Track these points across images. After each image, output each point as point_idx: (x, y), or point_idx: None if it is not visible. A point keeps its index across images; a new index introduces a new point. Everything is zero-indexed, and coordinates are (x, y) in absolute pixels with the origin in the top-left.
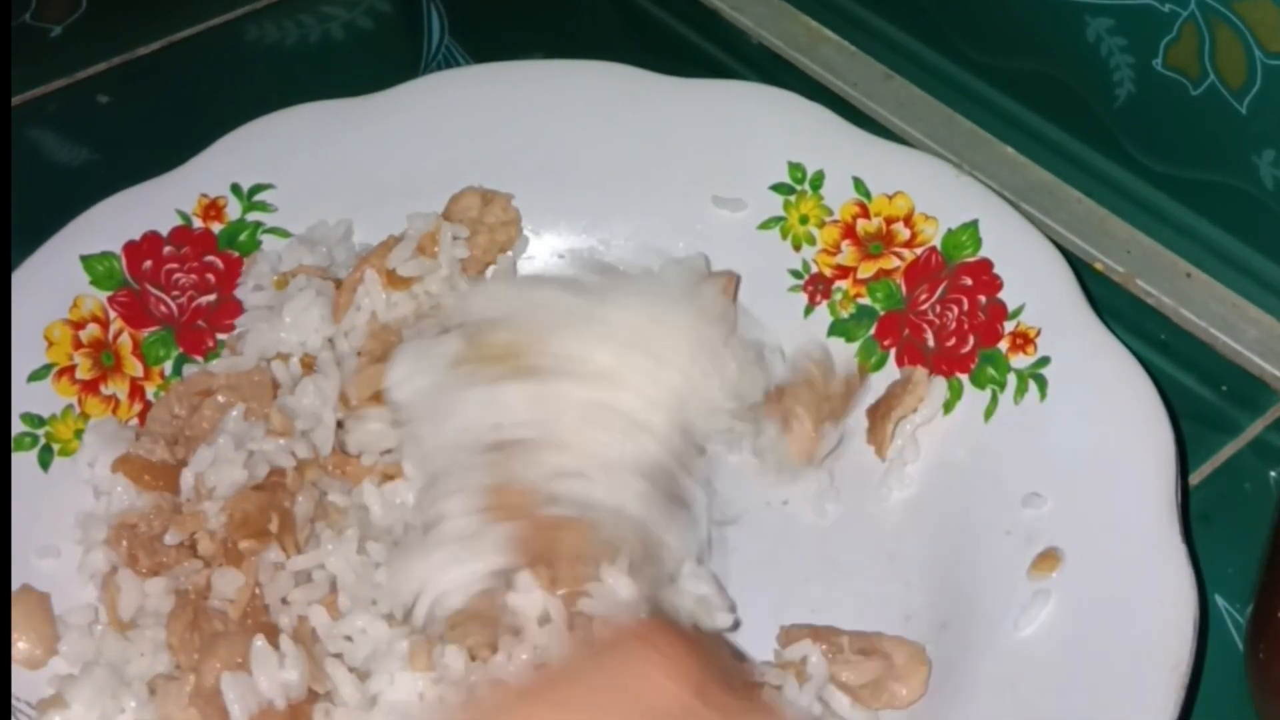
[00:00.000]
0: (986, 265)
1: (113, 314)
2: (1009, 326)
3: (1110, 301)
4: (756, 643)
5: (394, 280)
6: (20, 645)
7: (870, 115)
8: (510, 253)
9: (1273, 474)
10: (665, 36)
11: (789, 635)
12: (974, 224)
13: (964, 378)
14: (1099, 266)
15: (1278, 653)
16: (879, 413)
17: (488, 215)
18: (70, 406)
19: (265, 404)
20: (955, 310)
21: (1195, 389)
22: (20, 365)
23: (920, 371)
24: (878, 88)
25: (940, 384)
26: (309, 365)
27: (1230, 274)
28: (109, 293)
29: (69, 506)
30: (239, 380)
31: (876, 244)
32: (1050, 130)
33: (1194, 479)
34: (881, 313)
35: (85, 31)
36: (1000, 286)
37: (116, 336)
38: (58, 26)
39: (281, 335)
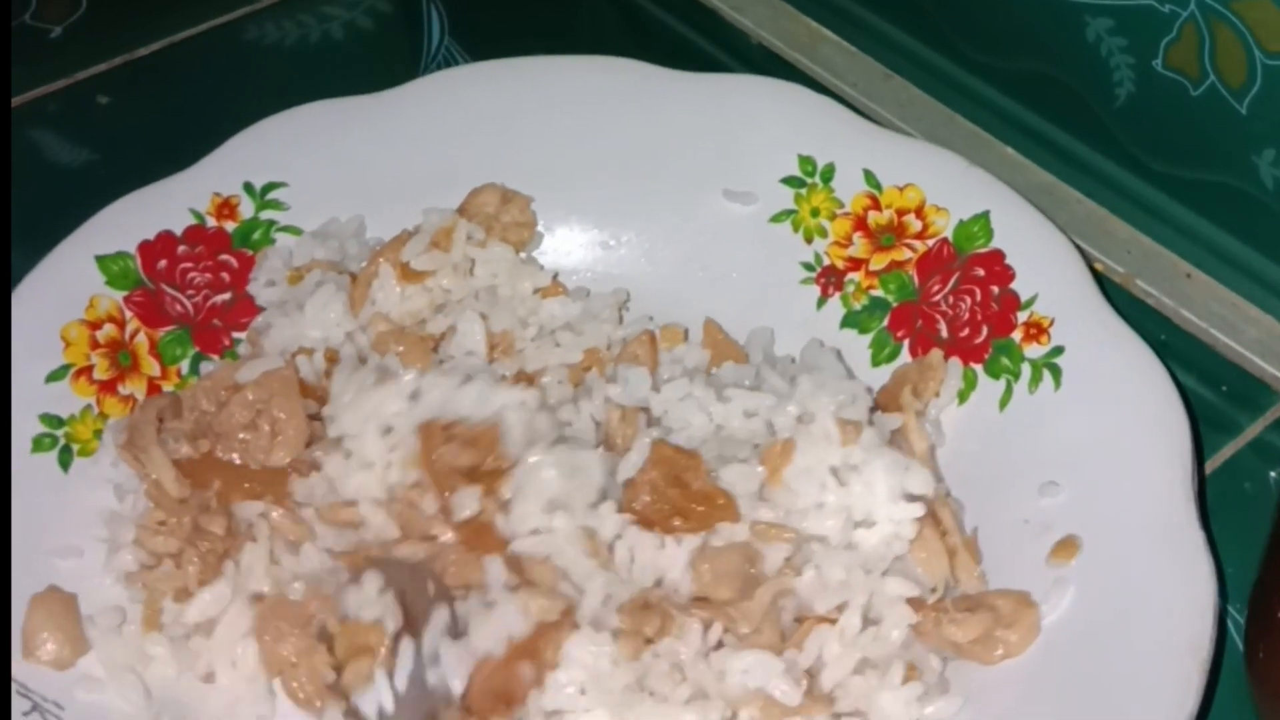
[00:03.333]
0: (999, 256)
1: (129, 314)
2: (1022, 316)
3: (1110, 301)
4: None
5: (408, 274)
6: (49, 646)
7: (870, 115)
8: (523, 253)
9: (1273, 474)
10: (665, 37)
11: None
12: (985, 215)
13: (978, 368)
14: (1099, 267)
15: (1278, 653)
16: (889, 398)
17: (504, 214)
18: (89, 407)
19: (292, 400)
20: (968, 301)
21: (1195, 389)
22: (38, 366)
23: (937, 353)
24: (878, 88)
25: (956, 365)
26: (331, 360)
27: (1230, 274)
28: (124, 292)
29: (90, 506)
30: (267, 377)
31: (888, 236)
32: (1050, 130)
33: None
34: (894, 304)
35: (85, 32)
36: (1013, 277)
37: (133, 336)
38: (58, 27)
39: (303, 331)
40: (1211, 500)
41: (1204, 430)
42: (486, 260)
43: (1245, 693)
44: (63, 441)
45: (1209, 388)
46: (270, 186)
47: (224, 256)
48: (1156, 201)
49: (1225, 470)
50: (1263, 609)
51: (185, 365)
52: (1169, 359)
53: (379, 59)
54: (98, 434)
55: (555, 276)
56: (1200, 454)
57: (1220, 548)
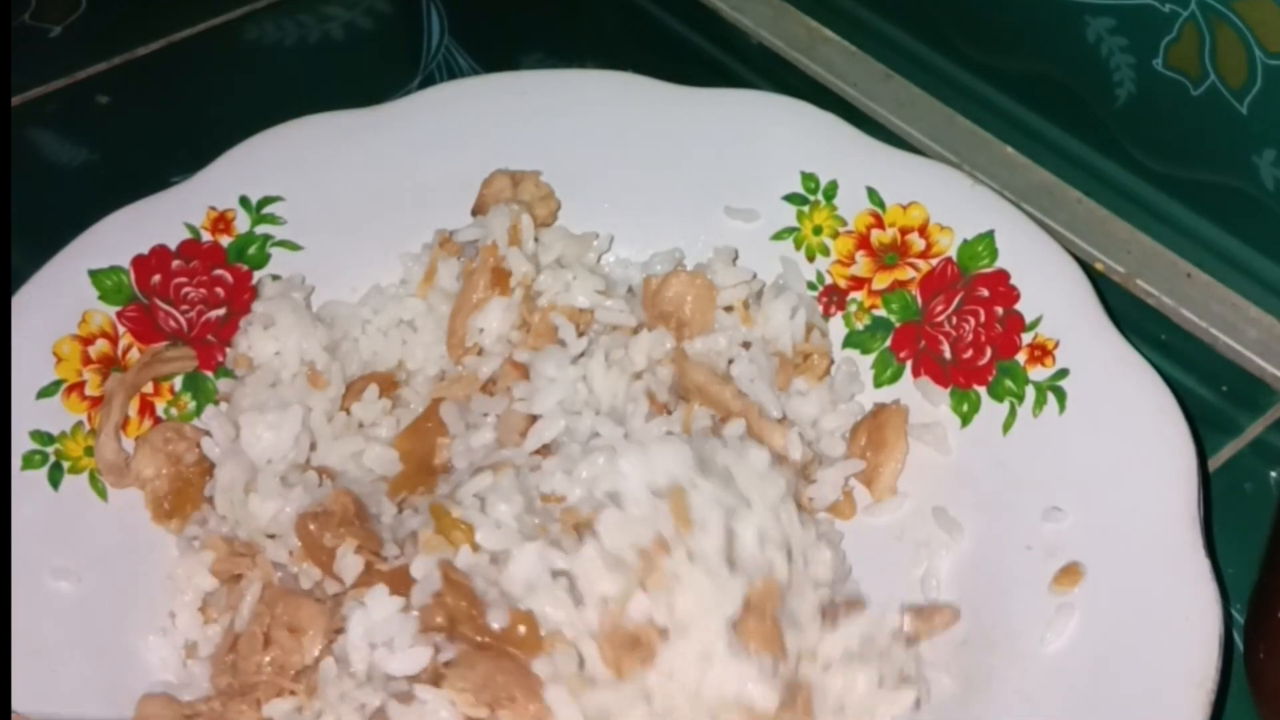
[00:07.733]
0: (1003, 276)
1: (122, 329)
2: (1027, 338)
3: (1111, 302)
4: None
5: (499, 279)
6: None
7: (870, 115)
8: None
9: (1273, 474)
10: (665, 37)
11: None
12: (990, 234)
13: (981, 390)
14: (1099, 267)
15: (1278, 653)
16: (864, 443)
17: (521, 194)
18: (80, 423)
19: (294, 602)
20: (972, 322)
21: (1195, 389)
22: (29, 382)
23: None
24: (878, 88)
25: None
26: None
27: (1230, 274)
28: (118, 308)
29: (82, 525)
30: (268, 593)
31: (891, 255)
32: (1050, 130)
33: None
34: (897, 324)
35: (85, 32)
36: (1017, 298)
37: (126, 352)
38: (57, 27)
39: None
40: (1212, 500)
41: (1204, 430)
42: (549, 243)
43: (1245, 693)
44: (53, 459)
45: (1209, 388)
46: (266, 201)
47: (218, 271)
48: (1156, 201)
49: (1225, 470)
50: (1263, 610)
51: (178, 382)
52: (1169, 359)
53: (379, 59)
54: (88, 451)
55: (612, 240)
56: (1207, 480)
57: (1220, 548)
